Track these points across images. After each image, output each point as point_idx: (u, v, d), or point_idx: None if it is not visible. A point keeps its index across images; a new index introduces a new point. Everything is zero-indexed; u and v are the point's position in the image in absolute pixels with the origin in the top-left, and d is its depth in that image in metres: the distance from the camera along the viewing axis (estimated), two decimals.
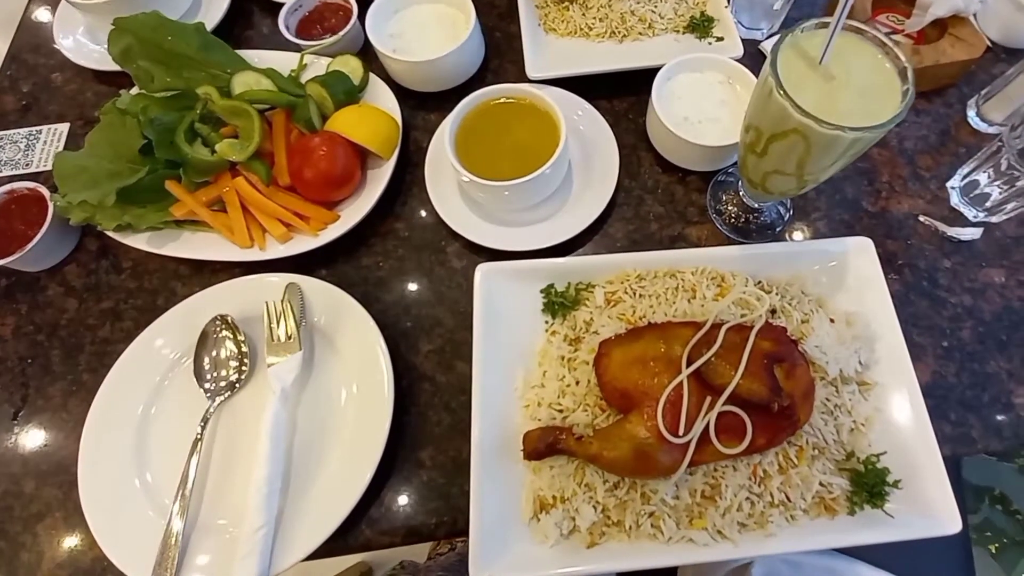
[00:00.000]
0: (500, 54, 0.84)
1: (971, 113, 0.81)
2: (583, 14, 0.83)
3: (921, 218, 0.74)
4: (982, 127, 0.80)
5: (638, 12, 0.83)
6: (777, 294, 0.63)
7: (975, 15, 0.81)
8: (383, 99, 0.73)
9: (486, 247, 0.67)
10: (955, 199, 0.75)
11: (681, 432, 0.50)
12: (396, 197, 0.73)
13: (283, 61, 0.76)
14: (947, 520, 0.51)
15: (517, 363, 0.60)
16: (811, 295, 0.64)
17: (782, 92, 0.47)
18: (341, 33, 0.77)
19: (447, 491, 0.58)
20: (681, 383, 0.52)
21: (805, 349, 0.58)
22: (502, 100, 0.69)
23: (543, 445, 0.53)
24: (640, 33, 0.83)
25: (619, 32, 0.82)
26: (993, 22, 0.84)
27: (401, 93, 0.76)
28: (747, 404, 0.52)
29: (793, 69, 0.49)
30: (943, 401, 0.64)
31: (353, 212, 0.67)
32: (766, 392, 0.51)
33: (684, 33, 0.83)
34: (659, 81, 0.72)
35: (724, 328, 0.55)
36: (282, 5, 0.80)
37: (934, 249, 0.72)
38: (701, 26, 0.83)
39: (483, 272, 0.61)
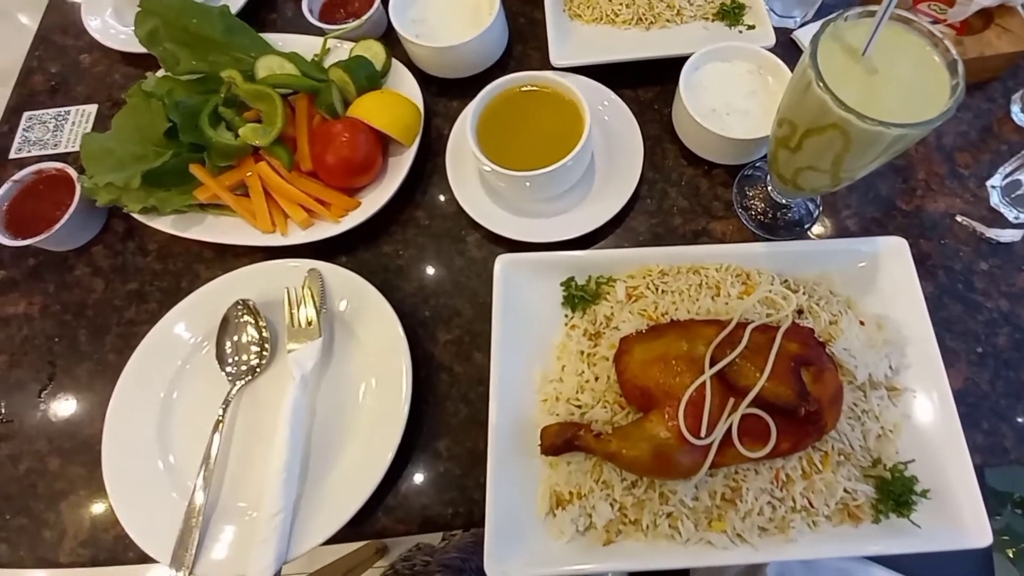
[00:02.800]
0: (524, 40, 0.82)
1: (1015, 108, 0.77)
2: (609, 0, 0.80)
3: (958, 218, 0.71)
4: None
5: None
6: (804, 294, 0.61)
7: (1023, 5, 0.77)
8: (405, 85, 0.72)
9: (506, 238, 0.66)
10: (995, 199, 0.72)
11: (703, 434, 0.49)
12: (417, 185, 0.72)
13: (306, 45, 0.75)
14: (976, 532, 0.50)
15: (535, 357, 0.59)
16: (840, 296, 0.62)
17: (822, 85, 0.45)
18: (364, 17, 0.76)
19: (463, 482, 0.58)
20: (704, 384, 0.51)
21: (833, 352, 0.56)
22: (526, 88, 0.68)
23: (561, 441, 0.52)
24: (668, 20, 0.80)
25: (646, 19, 0.80)
26: None
27: (423, 79, 0.75)
28: (772, 407, 0.50)
29: (834, 61, 0.47)
30: (975, 409, 0.62)
31: (374, 199, 0.67)
32: (793, 396, 0.50)
33: (713, 21, 0.81)
34: (687, 70, 0.70)
35: (749, 328, 0.53)
36: None
37: (970, 251, 0.70)
38: (732, 13, 0.80)
39: (503, 263, 0.61)
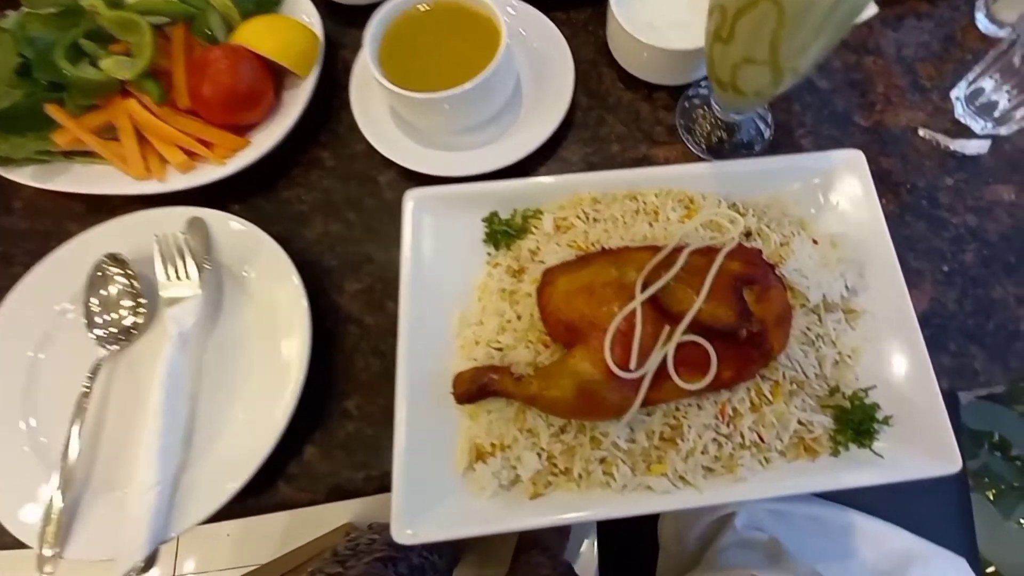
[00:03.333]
0: None
1: (979, 15, 0.71)
2: None
3: (921, 132, 0.65)
4: (992, 30, 0.71)
5: None
6: (754, 216, 0.55)
7: None
8: (302, 9, 0.64)
9: (424, 174, 0.59)
10: (959, 110, 0.66)
11: (633, 366, 0.43)
12: (323, 123, 0.64)
13: None
14: (945, 459, 0.44)
15: (453, 300, 0.52)
16: (792, 216, 0.56)
17: None
18: None
19: (376, 443, 0.51)
20: (634, 311, 0.44)
21: (783, 274, 0.50)
22: (431, 5, 0.60)
23: (476, 387, 0.46)
24: None
25: None
26: None
27: (329, 8, 0.67)
28: (711, 332, 0.44)
29: None
30: (942, 331, 0.57)
31: (266, 137, 0.58)
32: (732, 316, 0.43)
33: None
34: None
35: (687, 251, 0.47)
36: None
37: (934, 166, 0.64)
38: None
39: (415, 199, 0.53)
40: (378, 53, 0.57)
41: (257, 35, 0.58)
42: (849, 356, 0.50)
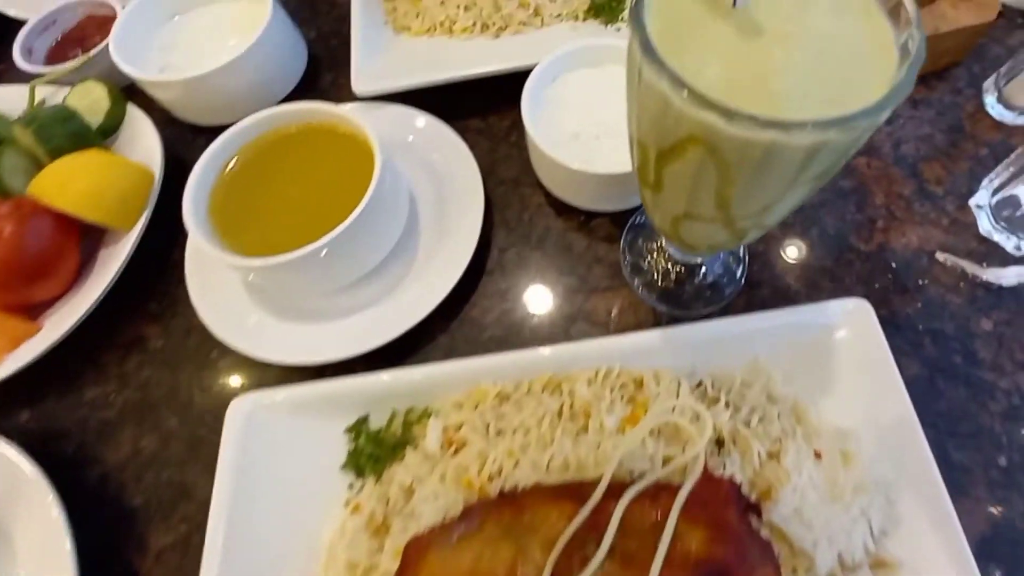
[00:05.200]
0: (336, 66, 0.61)
1: (989, 99, 0.58)
2: (441, 3, 0.60)
3: (939, 256, 0.50)
4: (1007, 117, 0.57)
5: None
6: (727, 404, 0.39)
7: None
8: (141, 141, 0.50)
9: (275, 363, 0.43)
10: (984, 224, 0.52)
11: None
12: (155, 284, 0.49)
13: (15, 98, 0.53)
14: None
15: (289, 567, 0.35)
16: (782, 400, 0.40)
17: (651, 59, 0.24)
18: (91, 53, 0.54)
19: None
20: None
21: (773, 522, 0.34)
22: (294, 128, 0.46)
23: None
24: (523, 23, 0.60)
25: (493, 24, 0.59)
26: None
27: (184, 131, 0.54)
28: None
29: (678, 16, 0.26)
30: (1013, 561, 0.39)
31: (67, 315, 0.43)
32: None
33: (584, 19, 0.61)
34: (534, 84, 0.49)
35: (623, 501, 0.31)
36: (20, 23, 0.58)
37: (964, 304, 0.48)
38: (607, 7, 0.61)
39: (243, 414, 0.38)
40: (209, 200, 0.43)
41: (57, 184, 0.44)
42: None
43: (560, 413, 0.38)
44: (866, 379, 0.41)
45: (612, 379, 0.40)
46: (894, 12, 0.24)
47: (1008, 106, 0.57)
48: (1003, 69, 0.57)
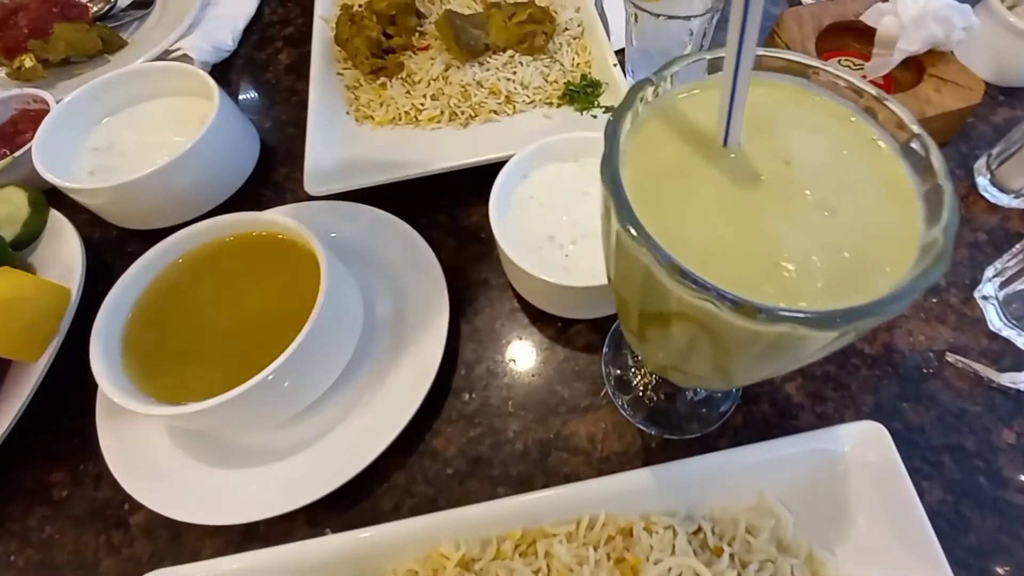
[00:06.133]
0: (292, 158, 0.58)
1: (982, 181, 0.56)
2: (407, 92, 0.57)
3: (949, 358, 0.46)
4: (1002, 200, 0.54)
5: (488, 83, 0.58)
6: (731, 556, 0.34)
7: (952, 51, 0.57)
8: (62, 250, 0.45)
9: (194, 524, 0.36)
10: (994, 319, 0.48)
11: None
12: (63, 423, 0.42)
13: None
14: None
15: None
16: (794, 548, 0.35)
17: (628, 230, 0.19)
18: (17, 154, 0.50)
19: None
20: None
21: None
22: (228, 238, 0.41)
23: None
24: (493, 111, 0.57)
25: (461, 113, 0.57)
26: (982, 55, 0.61)
27: (115, 232, 0.49)
28: None
29: (663, 161, 0.22)
30: None
31: None
32: None
33: (558, 106, 0.58)
34: (503, 184, 0.45)
35: None
36: None
37: (983, 412, 0.44)
38: (582, 95, 0.58)
39: None
40: (123, 341, 0.37)
41: None
42: None
43: None
44: (887, 517, 0.35)
45: (596, 532, 0.34)
46: (909, 152, 0.20)
47: (1003, 189, 0.54)
48: (994, 151, 0.55)
